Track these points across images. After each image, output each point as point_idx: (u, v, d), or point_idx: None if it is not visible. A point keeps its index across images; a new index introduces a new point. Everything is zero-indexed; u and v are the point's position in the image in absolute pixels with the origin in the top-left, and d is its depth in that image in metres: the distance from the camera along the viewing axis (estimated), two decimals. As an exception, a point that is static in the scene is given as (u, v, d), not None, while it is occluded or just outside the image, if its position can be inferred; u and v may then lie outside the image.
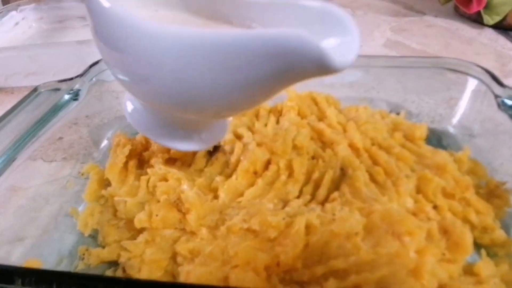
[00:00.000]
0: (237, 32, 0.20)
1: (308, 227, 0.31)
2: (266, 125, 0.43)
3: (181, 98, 0.23)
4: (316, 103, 0.45)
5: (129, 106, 0.31)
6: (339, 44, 0.23)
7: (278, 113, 0.45)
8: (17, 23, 0.81)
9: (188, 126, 0.31)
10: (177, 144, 0.31)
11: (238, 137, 0.41)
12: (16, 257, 0.34)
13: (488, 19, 0.77)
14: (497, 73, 0.62)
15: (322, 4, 0.24)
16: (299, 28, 0.20)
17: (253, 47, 0.20)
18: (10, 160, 0.37)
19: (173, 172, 0.36)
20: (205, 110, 0.25)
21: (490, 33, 0.77)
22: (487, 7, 0.76)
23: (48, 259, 0.35)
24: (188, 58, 0.21)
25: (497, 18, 0.76)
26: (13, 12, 0.81)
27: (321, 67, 0.20)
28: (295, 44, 0.19)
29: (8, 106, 0.42)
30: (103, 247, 0.35)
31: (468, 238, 0.31)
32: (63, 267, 0.35)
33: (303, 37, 0.19)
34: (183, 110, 0.25)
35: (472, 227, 0.34)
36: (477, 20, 0.79)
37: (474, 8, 0.77)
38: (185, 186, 0.34)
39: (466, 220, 0.34)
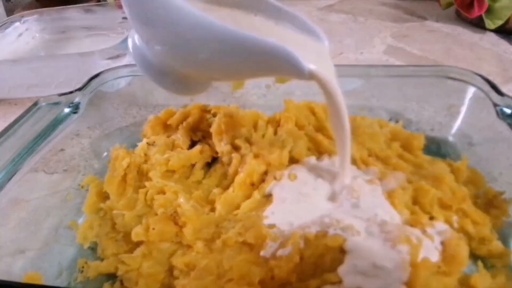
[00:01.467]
0: (252, 36, 0.26)
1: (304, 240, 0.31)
2: (263, 136, 0.43)
3: (193, 62, 0.30)
4: (313, 113, 0.45)
5: (134, 46, 0.33)
6: (315, 58, 0.29)
7: (276, 123, 0.45)
8: (20, 34, 0.82)
9: (182, 76, 0.34)
10: (168, 85, 0.35)
11: (236, 148, 0.42)
12: (17, 269, 0.35)
13: (490, 24, 0.76)
14: (498, 78, 0.62)
15: (303, 17, 0.31)
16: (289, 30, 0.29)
17: (258, 48, 0.26)
18: (12, 173, 0.38)
19: (170, 185, 0.36)
20: (204, 74, 0.33)
21: (492, 37, 0.77)
22: (489, 11, 0.75)
23: (48, 272, 0.35)
24: (209, 42, 0.27)
25: (499, 22, 0.75)
26: (17, 23, 0.82)
27: (299, 76, 0.27)
28: (288, 57, 0.26)
29: (11, 117, 0.43)
30: (102, 259, 0.36)
31: (464, 250, 0.31)
32: (63, 279, 0.35)
33: (292, 54, 0.26)
34: (188, 68, 0.32)
35: (469, 238, 0.34)
36: (478, 24, 0.79)
37: (476, 13, 0.76)
38: (181, 199, 0.35)
39: (463, 231, 0.34)
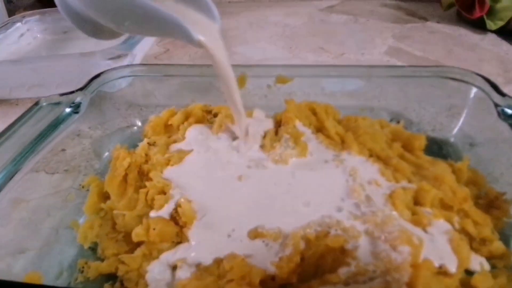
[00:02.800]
0: (159, 9, 0.33)
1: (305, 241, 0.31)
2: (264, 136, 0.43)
3: (107, 18, 0.36)
4: (315, 113, 0.45)
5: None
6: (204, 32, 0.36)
7: (277, 123, 0.45)
8: (22, 35, 0.82)
9: (98, 24, 0.38)
10: (85, 30, 0.40)
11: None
12: (17, 269, 0.35)
13: (491, 25, 0.76)
14: (500, 79, 0.62)
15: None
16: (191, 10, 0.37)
17: (162, 19, 0.33)
18: (13, 173, 0.38)
19: (171, 185, 0.36)
20: (117, 28, 0.38)
21: (493, 38, 0.77)
22: (490, 12, 0.75)
23: (48, 272, 0.35)
24: (125, 7, 0.33)
25: (500, 23, 0.75)
26: (18, 24, 0.82)
27: (191, 43, 0.35)
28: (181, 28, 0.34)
29: (13, 117, 0.43)
30: (102, 260, 0.36)
31: (465, 251, 0.31)
32: (63, 279, 0.35)
33: (184, 26, 0.33)
34: (102, 20, 0.37)
35: (470, 238, 0.34)
36: (480, 25, 0.79)
37: (477, 14, 0.76)
38: (182, 199, 0.35)
39: (464, 232, 0.34)
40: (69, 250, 0.38)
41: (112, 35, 0.42)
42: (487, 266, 0.32)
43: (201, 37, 0.35)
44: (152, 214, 0.35)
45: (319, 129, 0.44)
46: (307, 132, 0.43)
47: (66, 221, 0.40)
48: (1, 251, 0.35)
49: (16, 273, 0.34)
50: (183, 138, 0.43)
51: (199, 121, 0.46)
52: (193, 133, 0.44)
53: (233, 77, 0.40)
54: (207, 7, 0.37)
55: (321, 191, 0.36)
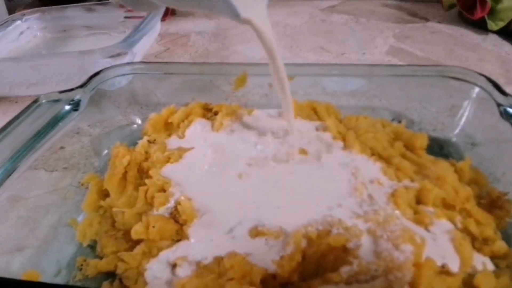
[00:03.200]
0: None
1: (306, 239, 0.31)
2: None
3: None
4: (316, 112, 0.45)
5: None
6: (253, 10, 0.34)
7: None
8: (22, 32, 0.82)
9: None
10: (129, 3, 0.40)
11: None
12: (15, 267, 0.35)
13: (492, 25, 0.76)
14: (501, 79, 0.62)
15: None
16: None
17: None
18: (11, 170, 0.38)
19: (171, 183, 0.36)
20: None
21: (494, 39, 0.76)
22: (491, 12, 0.75)
23: (47, 270, 0.35)
24: None
25: (501, 24, 0.75)
26: (18, 22, 0.82)
27: (237, 20, 0.33)
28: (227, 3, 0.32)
29: (12, 115, 0.43)
30: (101, 257, 0.35)
31: (468, 250, 0.31)
32: (61, 277, 0.35)
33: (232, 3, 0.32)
34: None
35: (473, 238, 0.33)
36: (481, 26, 0.79)
37: (478, 14, 0.76)
38: (182, 197, 0.34)
39: (466, 231, 0.33)
40: (67, 248, 0.37)
41: (151, 6, 0.40)
42: (490, 266, 0.31)
43: (249, 15, 0.33)
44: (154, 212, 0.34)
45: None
46: (310, 129, 0.42)
47: (65, 219, 0.39)
48: (-1, 249, 0.35)
49: (14, 271, 0.34)
50: (183, 136, 0.43)
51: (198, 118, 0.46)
52: (194, 130, 0.43)
53: (280, 58, 0.38)
54: None
55: (323, 190, 0.36)
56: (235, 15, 0.32)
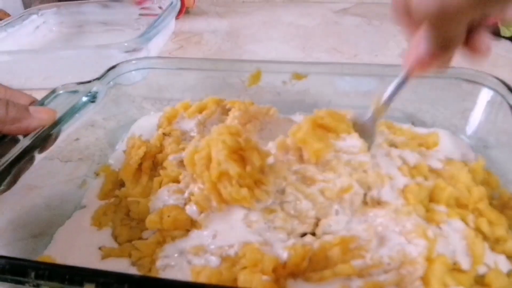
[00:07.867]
0: None
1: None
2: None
3: None
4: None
5: None
6: None
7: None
8: (37, 27, 0.83)
9: None
10: None
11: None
12: (29, 253, 0.35)
13: (505, 31, 0.76)
14: (514, 84, 0.61)
15: None
16: None
17: None
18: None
19: (185, 174, 0.37)
20: None
21: (507, 45, 0.76)
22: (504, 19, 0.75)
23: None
24: None
25: (514, 30, 0.75)
26: (34, 16, 0.83)
27: None
28: None
29: (25, 107, 0.43)
30: (116, 246, 0.36)
31: (480, 248, 0.31)
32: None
33: None
34: None
35: (485, 237, 0.33)
36: (494, 32, 0.78)
37: (491, 20, 0.76)
38: (196, 188, 0.35)
39: (478, 231, 0.33)
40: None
41: None
42: (504, 265, 0.31)
43: None
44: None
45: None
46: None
47: (79, 208, 0.40)
48: (13, 236, 0.35)
49: (29, 257, 0.34)
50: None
51: (212, 114, 0.47)
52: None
53: None
54: None
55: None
56: None
